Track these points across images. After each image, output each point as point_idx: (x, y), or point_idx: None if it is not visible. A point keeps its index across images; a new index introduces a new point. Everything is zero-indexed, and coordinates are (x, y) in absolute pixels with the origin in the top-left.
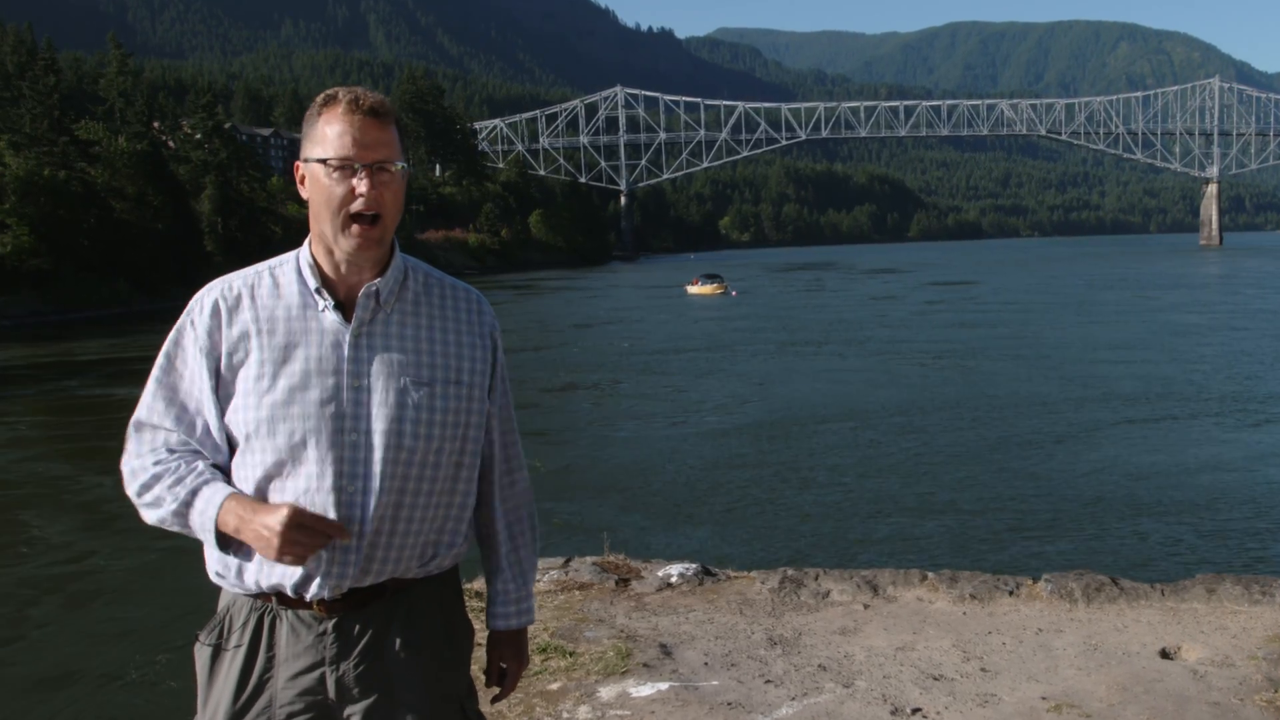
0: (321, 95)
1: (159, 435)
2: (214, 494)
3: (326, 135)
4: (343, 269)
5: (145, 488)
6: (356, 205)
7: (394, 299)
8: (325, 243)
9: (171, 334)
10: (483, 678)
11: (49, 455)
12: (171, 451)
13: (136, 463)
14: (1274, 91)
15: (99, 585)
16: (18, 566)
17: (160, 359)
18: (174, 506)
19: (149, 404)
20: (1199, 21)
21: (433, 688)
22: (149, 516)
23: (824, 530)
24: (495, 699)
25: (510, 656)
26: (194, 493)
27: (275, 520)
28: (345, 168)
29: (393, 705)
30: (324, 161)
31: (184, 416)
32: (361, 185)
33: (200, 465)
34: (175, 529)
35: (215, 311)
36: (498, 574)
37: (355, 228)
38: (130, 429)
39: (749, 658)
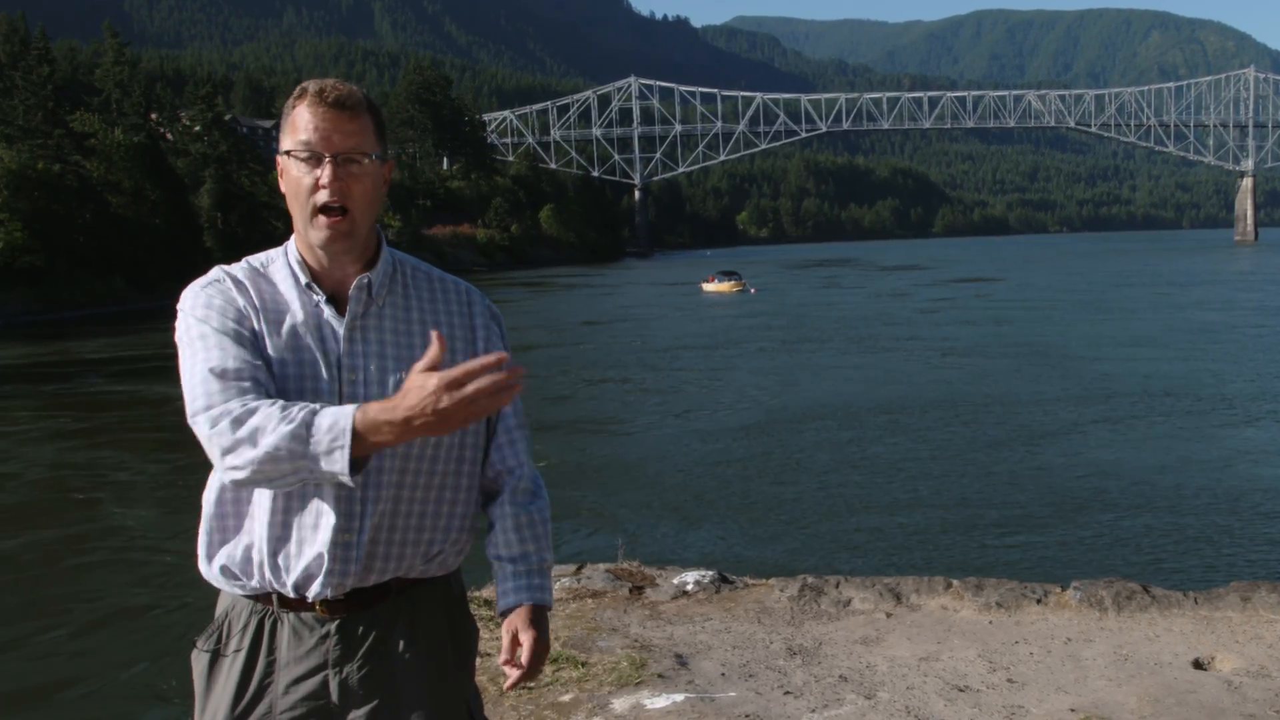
0: (296, 88)
1: (233, 375)
2: (340, 410)
3: (295, 127)
4: (327, 263)
5: (237, 423)
6: (321, 196)
7: (385, 292)
8: (305, 237)
9: (188, 321)
10: (490, 688)
11: (46, 457)
12: (256, 395)
13: (214, 411)
14: None
15: (100, 587)
16: (18, 568)
17: (191, 345)
18: (289, 429)
19: (207, 391)
20: (1233, 10)
21: (438, 689)
22: (244, 455)
23: (845, 535)
24: (512, 683)
25: (530, 633)
26: (314, 413)
27: (422, 386)
28: (310, 158)
29: (397, 708)
30: (290, 153)
31: (251, 385)
32: (325, 176)
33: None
34: (276, 465)
35: (213, 301)
36: (512, 552)
37: (322, 218)
38: (202, 421)
39: (767, 668)
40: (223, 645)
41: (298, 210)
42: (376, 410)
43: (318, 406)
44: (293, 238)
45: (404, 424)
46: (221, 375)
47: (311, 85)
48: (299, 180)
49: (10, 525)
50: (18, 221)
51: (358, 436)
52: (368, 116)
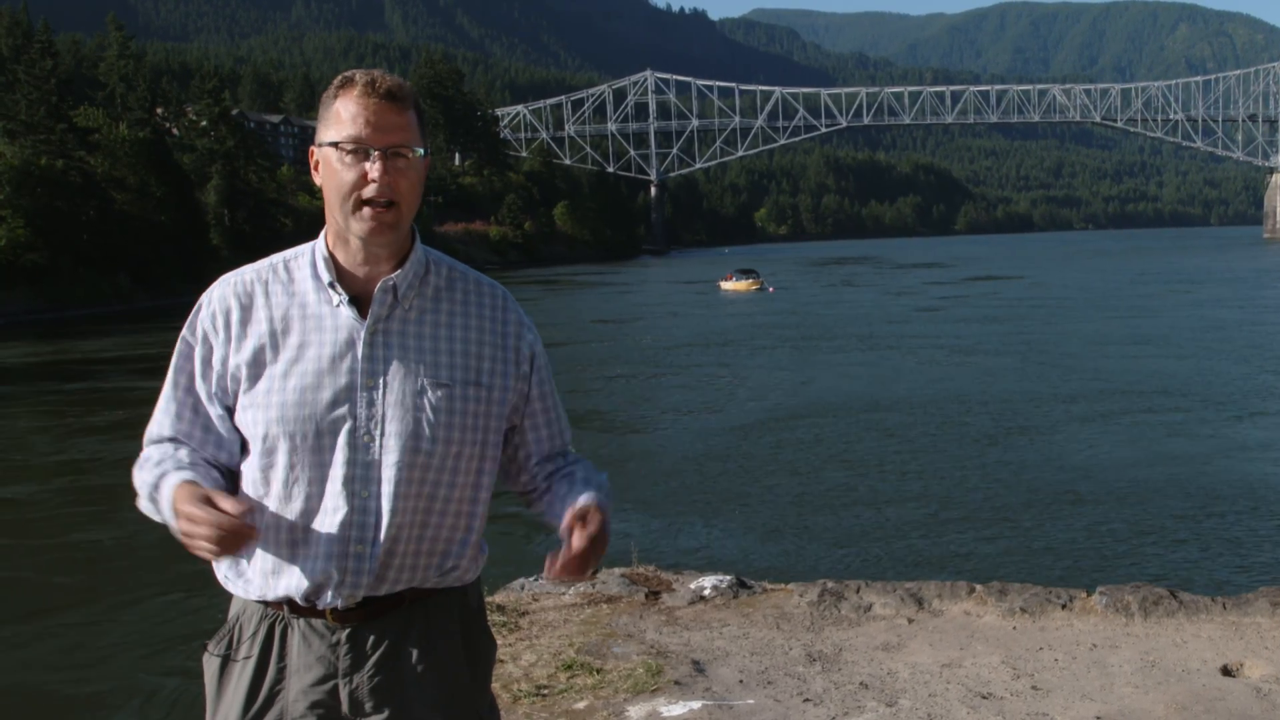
0: (338, 78)
1: (163, 438)
2: (175, 479)
3: (340, 118)
4: (359, 260)
5: (134, 475)
6: (369, 191)
7: (413, 294)
8: (340, 232)
9: (183, 332)
10: (503, 695)
11: (53, 457)
12: (165, 442)
13: (141, 457)
14: None
15: (111, 586)
16: (27, 567)
17: (174, 359)
18: (147, 492)
19: (159, 409)
20: (1262, 1)
21: (451, 701)
22: (140, 507)
23: (865, 539)
24: (564, 567)
25: (595, 512)
26: (161, 477)
27: (175, 511)
28: (358, 151)
29: (409, 719)
30: (336, 145)
31: (193, 425)
32: (374, 170)
33: (183, 454)
34: (160, 520)
35: (226, 309)
36: (589, 477)
37: (368, 210)
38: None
39: (786, 675)
40: (233, 650)
41: (338, 204)
42: (176, 495)
43: (168, 469)
44: (322, 233)
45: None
46: (158, 424)
47: (360, 75)
48: (341, 174)
49: (18, 524)
50: (20, 218)
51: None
52: (414, 110)
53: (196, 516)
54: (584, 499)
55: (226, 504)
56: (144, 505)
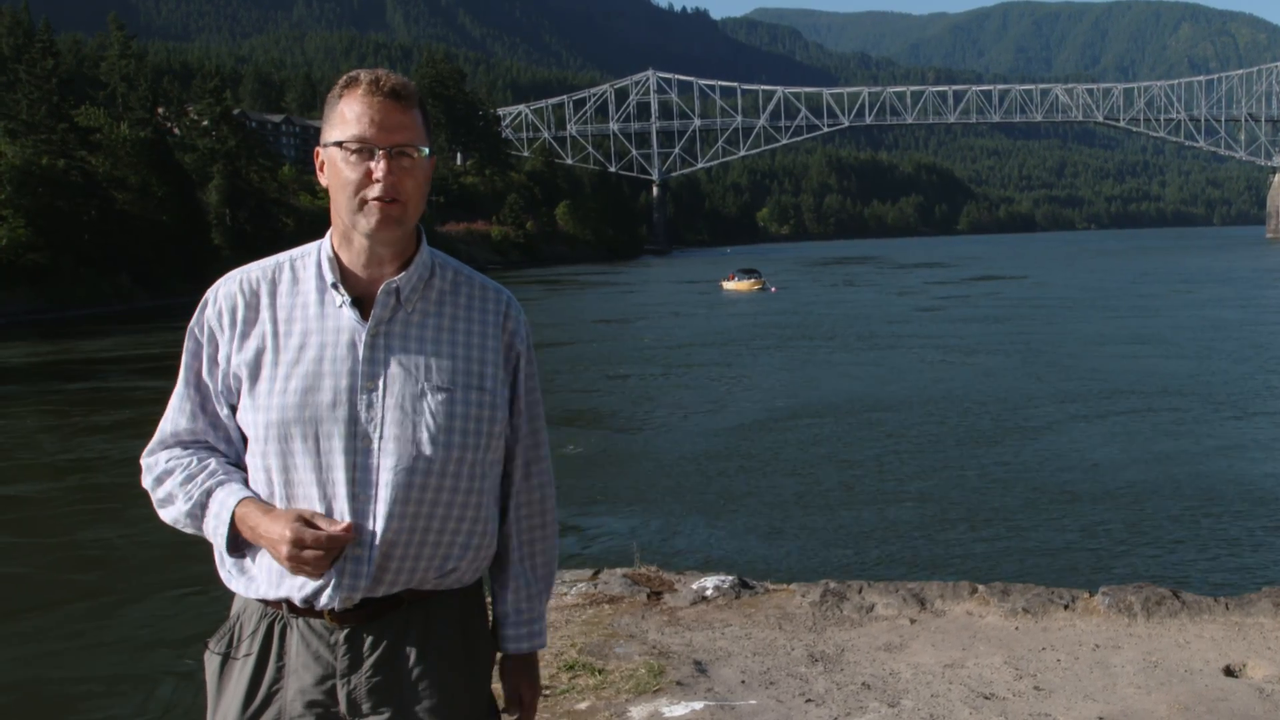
0: (343, 77)
1: (178, 436)
2: (228, 497)
3: (345, 117)
4: (363, 261)
5: (158, 482)
6: (373, 190)
7: (416, 296)
8: (345, 232)
9: (190, 327)
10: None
11: (56, 456)
12: (185, 447)
13: (150, 459)
14: None
15: (107, 587)
16: (32, 566)
17: (183, 356)
18: (187, 507)
19: (172, 406)
20: (1265, 1)
21: (449, 703)
22: (163, 515)
23: (867, 539)
24: None
25: (526, 683)
26: (208, 494)
27: (279, 535)
28: (363, 151)
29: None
30: (341, 145)
31: (204, 423)
32: (379, 169)
33: (214, 463)
34: (189, 530)
35: (232, 306)
36: (510, 591)
37: (374, 204)
38: (143, 461)
39: (789, 675)
40: (233, 648)
41: (343, 203)
42: (248, 514)
43: (213, 485)
44: (328, 234)
45: (255, 540)
46: (172, 421)
47: (364, 74)
48: (346, 174)
49: (21, 523)
50: (21, 218)
51: (235, 524)
52: (419, 109)
53: (307, 539)
54: (515, 653)
55: (322, 522)
56: (178, 519)
